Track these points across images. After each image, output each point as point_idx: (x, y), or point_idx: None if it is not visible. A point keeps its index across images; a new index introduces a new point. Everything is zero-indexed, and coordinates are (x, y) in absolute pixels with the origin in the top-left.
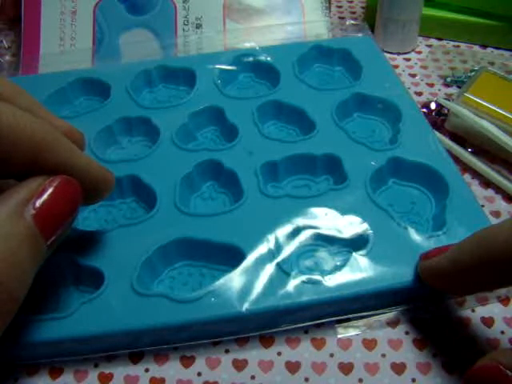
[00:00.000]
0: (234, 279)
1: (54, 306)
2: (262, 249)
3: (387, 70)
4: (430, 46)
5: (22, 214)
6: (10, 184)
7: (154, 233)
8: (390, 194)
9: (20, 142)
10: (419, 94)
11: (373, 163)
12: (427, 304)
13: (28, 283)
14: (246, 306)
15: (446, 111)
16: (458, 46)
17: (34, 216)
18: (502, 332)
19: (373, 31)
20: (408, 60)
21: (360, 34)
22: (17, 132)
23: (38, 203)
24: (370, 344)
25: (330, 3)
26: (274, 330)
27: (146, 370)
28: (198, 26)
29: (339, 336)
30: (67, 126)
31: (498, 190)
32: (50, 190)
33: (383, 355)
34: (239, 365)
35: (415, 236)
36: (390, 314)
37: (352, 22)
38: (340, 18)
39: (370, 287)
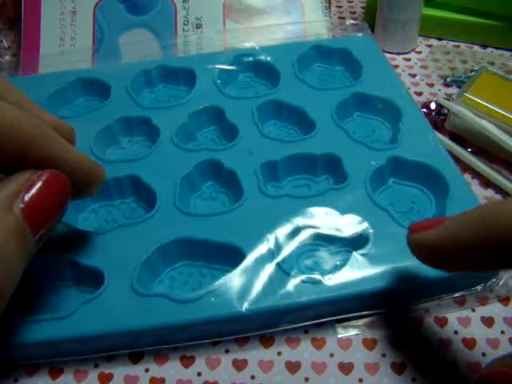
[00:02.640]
0: (234, 279)
1: (54, 306)
2: (261, 249)
3: (387, 69)
4: (430, 46)
5: (10, 208)
6: None
7: (153, 233)
8: (390, 193)
9: (8, 136)
10: (419, 94)
11: (373, 163)
12: (427, 304)
13: (16, 277)
14: (245, 306)
15: (445, 111)
16: (458, 46)
17: (22, 210)
18: (502, 332)
19: (373, 31)
20: (408, 60)
21: (360, 34)
22: (4, 126)
23: (27, 197)
24: (369, 344)
25: (329, 3)
26: (274, 330)
27: (146, 370)
28: (198, 26)
29: (339, 336)
30: (56, 120)
31: (498, 190)
32: (38, 184)
33: (383, 355)
34: (239, 365)
35: None
36: (389, 314)
37: (352, 21)
38: (340, 17)
39: (370, 286)
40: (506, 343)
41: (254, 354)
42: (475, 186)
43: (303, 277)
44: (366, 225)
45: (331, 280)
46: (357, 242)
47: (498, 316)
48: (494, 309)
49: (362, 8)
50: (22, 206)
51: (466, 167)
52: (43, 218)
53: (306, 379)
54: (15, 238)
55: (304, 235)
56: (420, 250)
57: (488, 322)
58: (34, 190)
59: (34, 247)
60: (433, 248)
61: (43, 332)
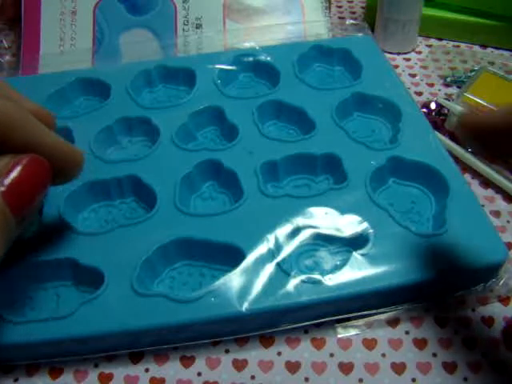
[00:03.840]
0: (234, 279)
1: (53, 306)
2: (261, 249)
3: (387, 69)
4: (430, 46)
5: None
6: None
7: (153, 233)
8: (390, 193)
9: None
10: (419, 94)
11: (373, 163)
12: (427, 304)
13: None
14: (245, 306)
15: (446, 111)
16: (458, 46)
17: (2, 193)
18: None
19: (373, 31)
20: (408, 60)
21: (360, 34)
22: None
23: (7, 181)
24: (369, 344)
25: (330, 3)
26: (274, 330)
27: (146, 370)
28: (198, 26)
29: (339, 336)
30: (35, 106)
31: (498, 190)
32: (18, 168)
33: (383, 355)
34: (239, 365)
35: (415, 235)
36: (390, 314)
37: (352, 21)
38: (340, 17)
39: (370, 286)
40: None
41: (254, 354)
42: (475, 186)
43: (303, 277)
44: (365, 225)
45: (331, 280)
46: (357, 242)
47: (498, 316)
48: (494, 309)
49: (362, 8)
50: (2, 189)
51: (465, 167)
52: (24, 202)
53: (306, 379)
54: None
55: (304, 235)
56: (473, 128)
57: (488, 321)
58: (13, 174)
59: (15, 230)
60: (488, 127)
61: (43, 332)
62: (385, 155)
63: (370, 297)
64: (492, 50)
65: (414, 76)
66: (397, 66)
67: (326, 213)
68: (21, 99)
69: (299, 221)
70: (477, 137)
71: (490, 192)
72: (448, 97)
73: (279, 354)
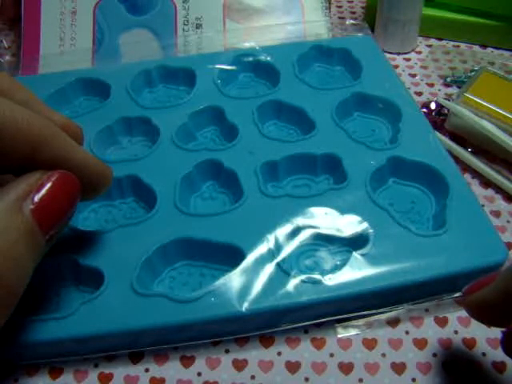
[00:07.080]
0: (234, 279)
1: (53, 306)
2: (261, 249)
3: (387, 69)
4: (430, 46)
5: (20, 209)
6: (8, 179)
7: (153, 233)
8: (390, 193)
9: (17, 137)
10: (419, 94)
11: (373, 163)
12: (427, 304)
13: (27, 277)
14: (245, 306)
15: (446, 111)
16: (458, 46)
17: (32, 211)
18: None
19: (373, 31)
20: (408, 60)
21: (360, 34)
22: (14, 126)
23: (37, 198)
24: (370, 344)
25: (329, 3)
26: (274, 330)
27: (146, 370)
28: (198, 26)
29: (339, 336)
30: (65, 120)
31: (498, 190)
32: (48, 185)
33: (383, 355)
34: (239, 365)
35: (415, 235)
36: (390, 314)
37: (352, 21)
38: (340, 18)
39: (369, 286)
40: None
41: (254, 354)
42: (475, 186)
43: (303, 277)
44: (365, 225)
45: (331, 280)
46: (357, 242)
47: None
48: None
49: (362, 8)
50: (31, 206)
51: (465, 167)
52: (53, 219)
53: (306, 379)
54: (25, 239)
55: (304, 235)
56: (474, 309)
57: None
58: (43, 191)
59: (44, 248)
60: (485, 304)
61: (43, 332)
62: (385, 155)
63: (370, 297)
64: (492, 49)
65: (414, 76)
66: (397, 66)
67: (325, 213)
68: (49, 113)
69: (299, 221)
70: (484, 316)
71: (489, 192)
72: (448, 97)
73: (279, 354)
